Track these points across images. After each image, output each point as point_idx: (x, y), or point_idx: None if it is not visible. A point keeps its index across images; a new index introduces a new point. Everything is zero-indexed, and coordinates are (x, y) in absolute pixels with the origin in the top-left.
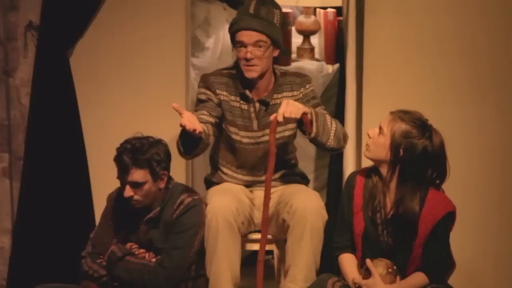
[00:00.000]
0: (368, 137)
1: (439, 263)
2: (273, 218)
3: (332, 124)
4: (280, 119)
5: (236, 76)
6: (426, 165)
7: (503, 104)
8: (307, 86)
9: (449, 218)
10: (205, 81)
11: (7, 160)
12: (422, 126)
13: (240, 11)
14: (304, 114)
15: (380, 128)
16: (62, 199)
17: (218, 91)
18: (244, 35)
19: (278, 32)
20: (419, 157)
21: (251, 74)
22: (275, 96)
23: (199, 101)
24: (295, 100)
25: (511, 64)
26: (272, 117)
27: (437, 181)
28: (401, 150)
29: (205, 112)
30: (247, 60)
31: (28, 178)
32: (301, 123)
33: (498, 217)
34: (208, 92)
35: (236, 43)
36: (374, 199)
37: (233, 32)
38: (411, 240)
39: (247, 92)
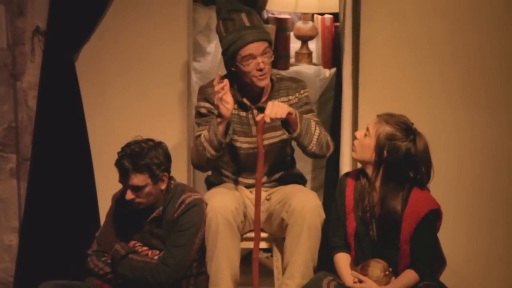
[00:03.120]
0: (355, 138)
1: (427, 260)
2: (271, 217)
3: (316, 130)
4: (268, 120)
5: (232, 85)
6: (409, 166)
7: (495, 107)
8: (302, 92)
9: (433, 215)
10: (204, 93)
11: (14, 160)
12: (406, 129)
13: (232, 28)
14: (289, 113)
15: (367, 130)
16: (67, 199)
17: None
18: (252, 48)
19: (270, 35)
20: (402, 159)
21: (265, 82)
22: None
23: (200, 115)
24: (290, 104)
25: (502, 68)
26: (258, 118)
27: (421, 182)
28: (385, 152)
29: None
30: (260, 70)
31: (35, 178)
32: (285, 123)
33: (489, 218)
34: (207, 104)
35: (242, 59)
36: (363, 199)
37: (237, 49)
38: (396, 238)
39: (245, 100)
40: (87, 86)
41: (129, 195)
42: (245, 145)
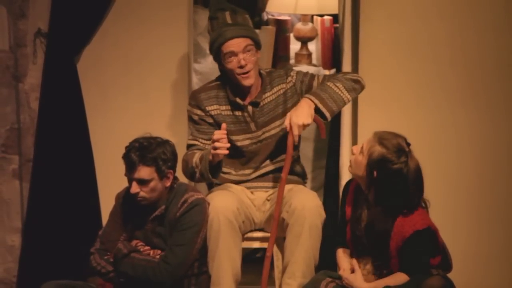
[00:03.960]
0: (353, 153)
1: (417, 271)
2: (272, 217)
3: (338, 86)
4: (296, 133)
5: (225, 86)
6: (399, 189)
7: (493, 108)
8: (291, 74)
9: (418, 236)
10: (195, 99)
11: (17, 161)
12: (399, 151)
13: (216, 26)
14: (316, 117)
15: (362, 147)
16: (70, 199)
17: (208, 108)
18: (232, 44)
19: (257, 34)
20: (391, 181)
21: (249, 81)
22: (263, 96)
23: (193, 122)
24: (289, 88)
25: (500, 69)
26: (286, 123)
27: (412, 205)
28: (375, 172)
29: (203, 141)
30: (242, 67)
31: (37, 179)
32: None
33: (489, 218)
34: (199, 112)
35: (225, 56)
36: (356, 211)
37: (218, 46)
38: (386, 253)
39: (238, 99)
40: (89, 87)
41: (134, 188)
42: (246, 142)
